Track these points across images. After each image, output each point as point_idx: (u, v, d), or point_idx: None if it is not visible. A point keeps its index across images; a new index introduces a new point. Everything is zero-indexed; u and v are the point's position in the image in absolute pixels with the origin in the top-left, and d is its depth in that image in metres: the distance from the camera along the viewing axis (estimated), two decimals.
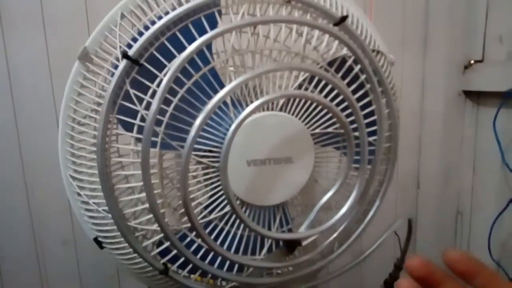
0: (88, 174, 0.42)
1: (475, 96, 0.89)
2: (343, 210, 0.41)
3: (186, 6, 0.36)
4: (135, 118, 0.38)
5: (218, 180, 0.41)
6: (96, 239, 0.44)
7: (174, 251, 0.41)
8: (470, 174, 0.91)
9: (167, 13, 0.37)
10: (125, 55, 0.36)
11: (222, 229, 0.43)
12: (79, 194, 0.43)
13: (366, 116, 0.43)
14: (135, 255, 0.42)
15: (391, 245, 0.61)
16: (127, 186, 0.40)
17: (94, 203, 0.42)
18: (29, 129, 0.74)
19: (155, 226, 0.40)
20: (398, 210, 0.94)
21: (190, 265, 0.42)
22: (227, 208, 0.41)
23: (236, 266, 0.44)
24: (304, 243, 0.42)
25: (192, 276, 0.44)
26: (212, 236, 0.43)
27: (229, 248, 0.43)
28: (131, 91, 0.37)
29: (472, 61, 0.87)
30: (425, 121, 0.93)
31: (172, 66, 0.36)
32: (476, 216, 0.92)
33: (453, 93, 0.90)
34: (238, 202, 0.42)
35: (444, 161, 0.93)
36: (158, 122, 0.38)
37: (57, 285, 0.81)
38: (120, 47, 0.38)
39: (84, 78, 0.41)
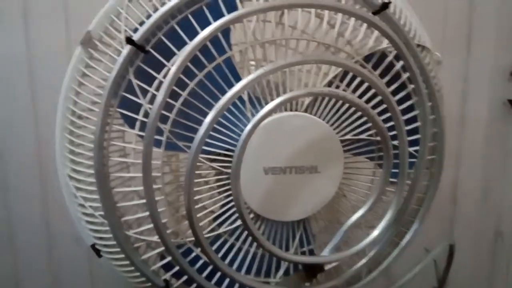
0: (86, 174, 0.38)
1: None
2: (376, 232, 0.35)
3: None
4: (138, 113, 0.33)
5: (230, 189, 0.35)
6: (93, 246, 0.40)
7: (177, 267, 0.36)
8: None
9: None
10: (129, 40, 0.32)
11: (232, 245, 0.38)
12: (76, 196, 0.38)
13: (407, 122, 0.37)
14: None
15: (424, 270, 0.53)
16: (125, 190, 0.35)
17: (91, 206, 0.37)
18: (48, 119, 0.70)
19: (156, 238, 0.35)
20: (431, 227, 0.85)
21: (195, 284, 0.37)
22: (239, 222, 0.36)
23: None
24: (327, 267, 0.36)
25: None
26: (221, 252, 0.37)
27: (240, 267, 0.37)
28: (135, 82, 0.32)
29: None
30: (465, 131, 0.85)
31: (182, 54, 0.31)
32: None
33: (497, 102, 0.82)
34: (251, 215, 0.36)
35: (485, 175, 0.85)
36: (164, 119, 0.33)
37: (68, 281, 0.77)
38: (125, 31, 0.34)
39: (87, 67, 0.37)
